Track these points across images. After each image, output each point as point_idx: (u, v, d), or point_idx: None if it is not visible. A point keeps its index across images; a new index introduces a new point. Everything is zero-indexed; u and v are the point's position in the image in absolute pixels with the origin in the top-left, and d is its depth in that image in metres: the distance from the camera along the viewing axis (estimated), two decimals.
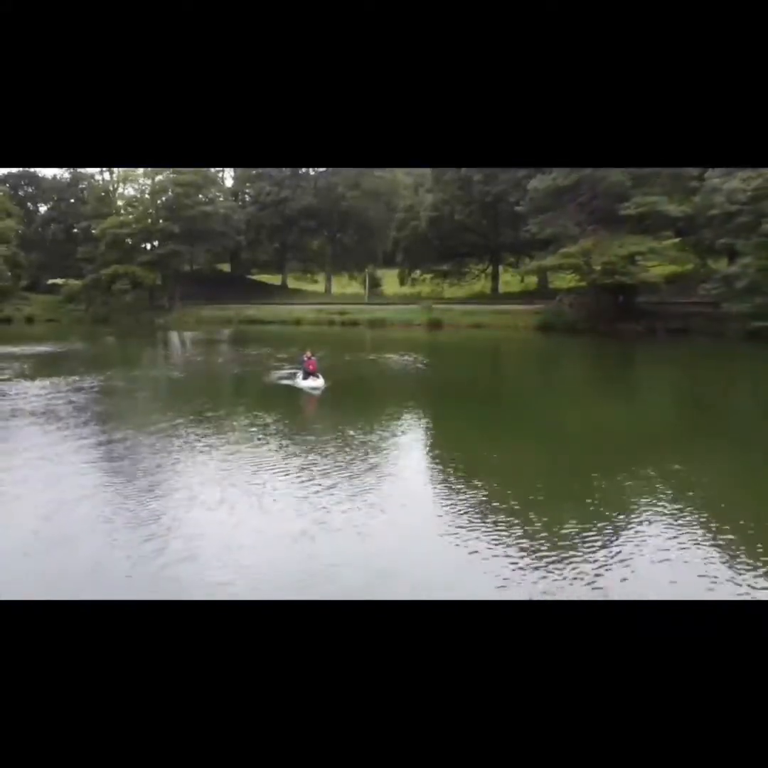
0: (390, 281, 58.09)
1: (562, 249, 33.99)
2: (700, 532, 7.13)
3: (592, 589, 5.81)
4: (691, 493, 8.51)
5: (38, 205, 68.73)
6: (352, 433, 12.16)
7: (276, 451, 10.91)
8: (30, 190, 68.54)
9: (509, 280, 53.63)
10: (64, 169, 63.52)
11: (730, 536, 6.97)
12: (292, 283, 64.80)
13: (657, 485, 8.83)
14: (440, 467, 10.57)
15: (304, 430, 12.98)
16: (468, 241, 48.55)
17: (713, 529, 7.19)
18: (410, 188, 57.98)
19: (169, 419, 13.45)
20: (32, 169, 66.49)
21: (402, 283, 55.68)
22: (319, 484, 8.88)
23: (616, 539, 6.98)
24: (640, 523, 7.43)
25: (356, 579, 6.00)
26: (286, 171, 58.24)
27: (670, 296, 34.75)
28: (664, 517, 7.58)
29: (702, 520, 7.51)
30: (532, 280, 49.53)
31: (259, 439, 11.80)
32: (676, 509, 7.87)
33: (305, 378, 17.35)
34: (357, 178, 56.67)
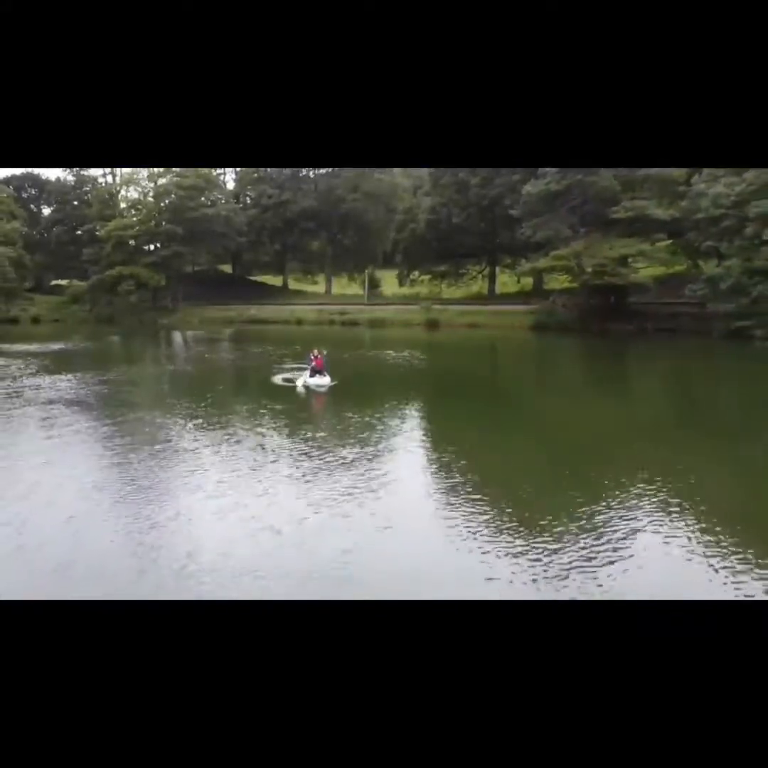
0: (389, 282, 59.22)
1: (555, 251, 35.20)
2: (679, 509, 7.99)
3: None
4: (667, 474, 9.49)
5: (41, 207, 69.66)
6: (350, 415, 13.47)
7: (285, 432, 12.25)
8: (33, 192, 69.44)
9: (506, 281, 54.75)
10: (67, 172, 64.45)
11: (705, 510, 7.91)
12: (292, 284, 65.86)
13: (637, 470, 9.80)
14: (433, 449, 11.81)
15: (312, 418, 14.28)
16: (465, 243, 49.55)
17: (693, 507, 8.07)
18: (409, 191, 59.11)
19: (190, 405, 15.14)
20: (35, 172, 67.51)
21: (401, 283, 56.86)
22: (322, 459, 10.13)
23: (592, 512, 8.15)
24: (615, 499, 8.44)
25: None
26: (287, 173, 59.37)
27: (660, 297, 35.97)
28: (640, 497, 8.55)
29: (679, 500, 8.40)
30: (528, 281, 50.57)
31: (269, 420, 13.23)
32: (651, 488, 8.87)
33: (312, 376, 17.86)
34: (357, 181, 57.78)
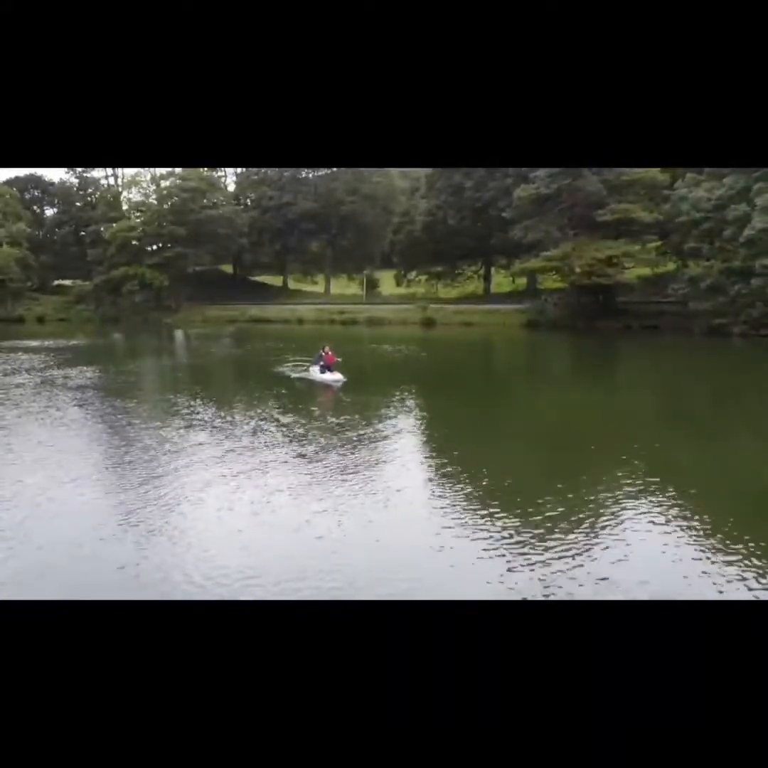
0: (387, 282, 60.72)
1: (545, 252, 36.79)
2: (647, 486, 8.87)
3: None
4: (641, 456, 10.64)
5: (45, 208, 70.88)
6: (360, 400, 15.19)
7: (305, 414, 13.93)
8: (36, 193, 70.60)
9: (501, 282, 56.23)
10: (70, 173, 65.73)
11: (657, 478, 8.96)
12: (292, 284, 67.28)
13: (612, 451, 11.09)
14: (425, 425, 13.45)
15: (326, 404, 15.92)
16: (460, 244, 50.89)
17: (662, 486, 8.91)
18: (406, 193, 60.60)
19: (213, 392, 17.20)
20: (38, 173, 68.80)
21: (398, 284, 58.38)
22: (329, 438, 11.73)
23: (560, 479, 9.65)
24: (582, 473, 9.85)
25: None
26: (287, 176, 60.80)
27: (647, 295, 37.58)
28: (609, 473, 9.78)
29: (648, 479, 9.33)
30: (523, 281, 51.97)
31: (287, 405, 14.96)
32: (619, 463, 10.18)
33: (322, 372, 18.02)
34: (355, 184, 59.29)
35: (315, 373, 18.32)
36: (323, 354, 18.31)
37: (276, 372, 20.22)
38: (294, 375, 19.15)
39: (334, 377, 17.68)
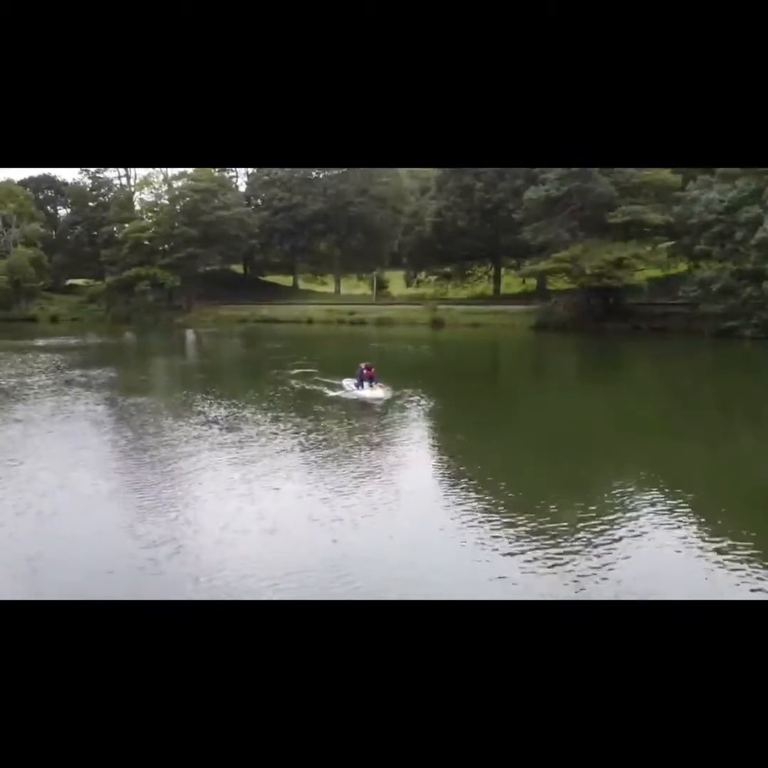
0: (396, 283, 60.87)
1: (555, 254, 36.79)
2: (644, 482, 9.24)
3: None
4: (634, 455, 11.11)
5: (58, 208, 71.68)
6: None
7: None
8: (50, 193, 71.40)
9: (511, 282, 56.20)
10: (83, 174, 66.41)
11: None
12: (302, 285, 67.62)
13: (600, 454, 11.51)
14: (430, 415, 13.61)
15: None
16: (469, 245, 50.86)
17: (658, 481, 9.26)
18: (415, 194, 60.72)
19: (230, 387, 18.11)
20: (52, 174, 69.58)
21: (408, 284, 58.52)
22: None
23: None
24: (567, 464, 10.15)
25: None
26: (297, 177, 61.12)
27: (656, 297, 37.48)
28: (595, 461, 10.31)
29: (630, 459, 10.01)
30: (533, 282, 51.91)
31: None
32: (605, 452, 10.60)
33: (360, 386, 16.30)
34: (364, 185, 59.48)
35: (351, 388, 16.71)
36: (364, 370, 16.63)
37: (309, 389, 18.21)
38: (331, 393, 17.07)
39: (374, 394, 15.69)
